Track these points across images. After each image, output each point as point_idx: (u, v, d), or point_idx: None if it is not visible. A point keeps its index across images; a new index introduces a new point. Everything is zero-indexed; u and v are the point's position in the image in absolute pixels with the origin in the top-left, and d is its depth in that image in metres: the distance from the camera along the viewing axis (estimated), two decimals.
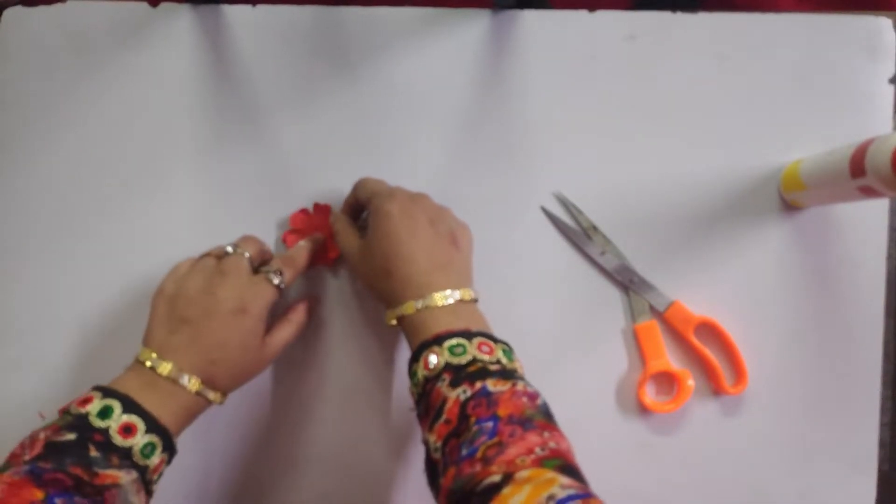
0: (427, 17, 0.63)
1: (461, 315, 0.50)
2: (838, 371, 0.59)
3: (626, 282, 0.60)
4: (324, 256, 0.60)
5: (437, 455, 0.44)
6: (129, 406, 0.46)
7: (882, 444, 0.59)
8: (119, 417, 0.45)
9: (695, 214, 0.61)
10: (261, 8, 0.63)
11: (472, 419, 0.42)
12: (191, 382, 0.48)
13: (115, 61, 0.63)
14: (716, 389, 0.59)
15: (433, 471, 0.45)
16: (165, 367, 0.48)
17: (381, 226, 0.52)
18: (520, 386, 0.44)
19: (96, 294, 0.61)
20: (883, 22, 0.61)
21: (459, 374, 0.45)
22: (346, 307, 0.61)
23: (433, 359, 0.46)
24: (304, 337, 0.61)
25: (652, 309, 0.60)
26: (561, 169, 0.61)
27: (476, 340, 0.47)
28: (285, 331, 0.55)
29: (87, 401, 0.46)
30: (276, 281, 0.53)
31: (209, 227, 0.62)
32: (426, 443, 0.45)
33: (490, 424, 0.41)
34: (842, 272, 0.60)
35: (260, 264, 0.55)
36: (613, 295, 0.60)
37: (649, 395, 0.59)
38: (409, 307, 0.50)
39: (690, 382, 0.59)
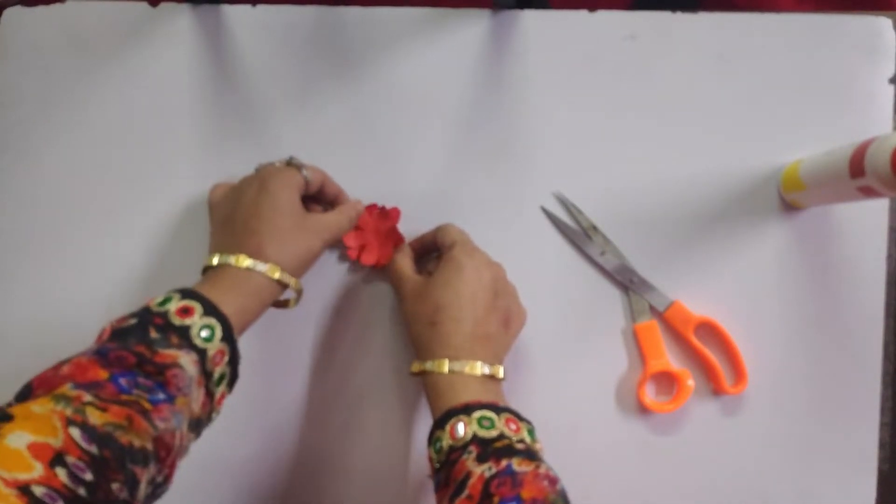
0: (427, 17, 0.63)
1: (490, 389, 0.50)
2: (838, 371, 0.59)
3: (626, 282, 0.60)
4: (367, 256, 0.60)
5: None
6: (187, 294, 0.47)
7: (882, 444, 0.59)
8: (178, 302, 0.46)
9: (695, 214, 0.61)
10: (261, 8, 0.63)
11: (496, 498, 0.41)
12: (237, 259, 0.50)
13: (115, 61, 0.63)
14: (716, 389, 0.59)
15: None
16: (211, 259, 0.51)
17: (447, 275, 0.52)
18: (542, 468, 0.44)
19: (97, 294, 0.61)
20: (883, 22, 0.61)
21: (486, 448, 0.45)
22: (364, 313, 0.61)
23: (461, 429, 0.46)
24: (310, 336, 0.61)
25: (652, 309, 0.60)
26: (561, 169, 0.61)
27: (504, 416, 0.47)
28: (335, 215, 0.56)
29: (152, 299, 0.47)
30: (302, 171, 0.54)
31: (209, 225, 0.62)
32: None
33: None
34: (842, 272, 0.60)
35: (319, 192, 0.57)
36: (613, 295, 0.60)
37: (649, 395, 0.59)
38: (442, 365, 0.50)
39: (690, 382, 0.59)
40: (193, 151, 0.63)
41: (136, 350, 0.43)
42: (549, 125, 0.62)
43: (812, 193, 0.56)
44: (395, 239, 0.60)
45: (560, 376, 0.60)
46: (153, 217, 0.62)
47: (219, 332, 0.46)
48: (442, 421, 0.47)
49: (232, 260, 0.50)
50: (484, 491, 0.42)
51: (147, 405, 0.41)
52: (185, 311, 0.46)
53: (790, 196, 0.59)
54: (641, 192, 0.61)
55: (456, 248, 0.54)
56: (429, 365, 0.50)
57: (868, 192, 0.50)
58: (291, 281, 0.52)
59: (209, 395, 0.46)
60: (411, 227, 0.61)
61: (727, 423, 0.59)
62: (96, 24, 0.64)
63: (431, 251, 0.59)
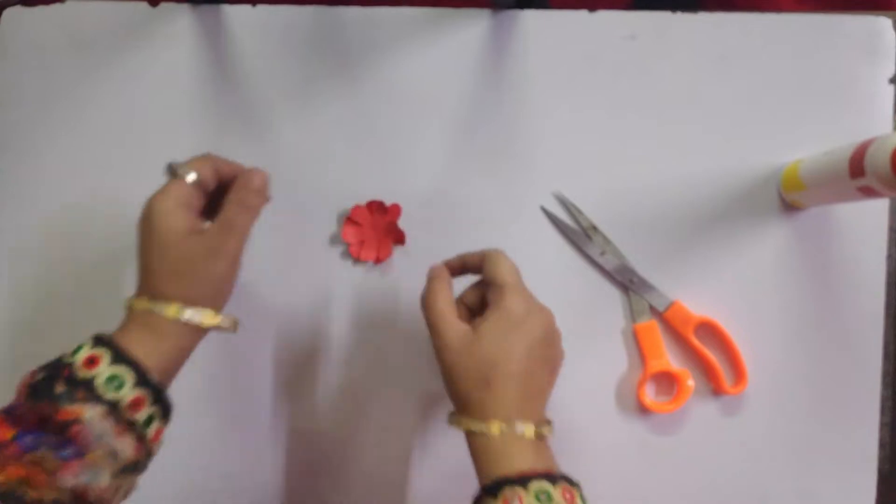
0: (427, 17, 0.63)
1: (541, 451, 0.46)
2: (838, 371, 0.59)
3: (626, 282, 0.60)
4: (367, 252, 0.60)
5: None
6: (99, 341, 0.45)
7: (882, 444, 0.59)
8: (87, 352, 0.44)
9: (695, 214, 0.61)
10: (261, 8, 0.63)
11: None
12: (171, 307, 0.45)
13: (115, 61, 0.63)
14: (715, 389, 0.59)
15: None
16: (127, 302, 0.47)
17: (501, 327, 0.47)
18: None
19: (97, 293, 0.61)
20: (883, 22, 0.61)
21: None
22: (364, 309, 0.61)
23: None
24: (314, 337, 0.61)
25: (652, 309, 0.60)
26: (561, 169, 0.61)
27: (560, 486, 0.43)
28: (222, 215, 0.48)
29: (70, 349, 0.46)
30: (185, 175, 0.48)
31: None
32: None
33: None
34: (842, 272, 0.60)
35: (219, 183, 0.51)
36: (613, 295, 0.60)
37: (649, 395, 0.59)
38: (494, 428, 0.45)
39: (690, 382, 0.59)
40: (193, 151, 0.62)
41: (39, 408, 0.42)
42: (550, 125, 0.62)
43: (812, 193, 0.56)
44: (395, 235, 0.60)
45: (560, 376, 0.60)
46: None
47: (130, 379, 0.44)
48: (493, 489, 0.43)
49: (134, 302, 0.47)
50: None
51: (53, 463, 0.40)
52: (91, 362, 0.44)
53: (790, 196, 0.59)
54: (641, 192, 0.61)
55: (508, 294, 0.48)
56: (477, 426, 0.45)
57: (868, 192, 0.50)
58: (205, 318, 0.46)
59: (140, 438, 0.44)
60: (411, 226, 0.61)
61: (727, 423, 0.59)
62: (96, 24, 0.64)
63: (469, 272, 0.52)
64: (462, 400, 0.47)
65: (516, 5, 0.63)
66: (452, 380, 0.47)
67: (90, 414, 0.42)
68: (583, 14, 0.63)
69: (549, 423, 0.47)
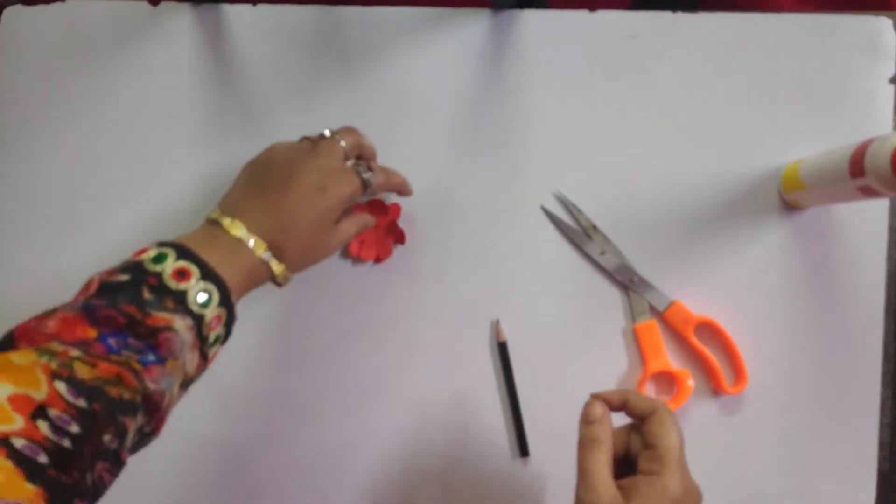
0: (427, 17, 0.63)
1: None
2: (838, 371, 0.59)
3: (626, 282, 0.60)
4: (367, 252, 0.60)
5: None
6: (184, 254, 0.45)
7: (882, 444, 0.59)
8: (174, 263, 0.44)
9: (695, 214, 0.61)
10: (261, 7, 0.64)
11: None
12: (256, 244, 0.48)
13: (116, 60, 0.63)
14: (715, 389, 0.59)
15: None
16: (233, 225, 0.48)
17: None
18: None
19: None
20: (883, 22, 0.61)
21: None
22: (365, 308, 0.61)
23: None
24: (311, 332, 0.61)
25: (652, 309, 0.60)
26: (561, 169, 0.61)
27: None
28: (349, 226, 0.54)
29: (143, 251, 0.45)
30: (364, 175, 0.53)
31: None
32: None
33: None
34: (842, 272, 0.60)
35: (357, 157, 0.55)
36: (613, 295, 0.60)
37: (649, 394, 0.59)
38: None
39: (690, 382, 0.59)
40: (193, 150, 0.63)
41: (126, 311, 0.41)
42: (549, 125, 0.62)
43: (812, 193, 0.56)
44: (396, 235, 0.60)
45: (560, 376, 0.60)
46: (152, 216, 0.62)
47: (216, 297, 0.44)
48: None
49: (251, 243, 0.48)
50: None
51: (137, 366, 0.40)
52: (182, 275, 0.44)
53: (790, 196, 0.59)
54: (641, 191, 0.61)
55: (669, 471, 0.43)
56: None
57: (868, 192, 0.50)
58: (287, 278, 0.51)
59: (203, 356, 0.45)
60: (411, 226, 0.61)
61: (727, 422, 0.59)
62: (96, 23, 0.64)
63: (627, 413, 0.48)
64: None
65: (516, 5, 0.63)
66: None
67: (180, 324, 0.43)
68: (583, 14, 0.62)
69: None
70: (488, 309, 0.60)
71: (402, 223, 0.61)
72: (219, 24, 0.64)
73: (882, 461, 0.59)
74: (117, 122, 0.63)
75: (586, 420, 0.46)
